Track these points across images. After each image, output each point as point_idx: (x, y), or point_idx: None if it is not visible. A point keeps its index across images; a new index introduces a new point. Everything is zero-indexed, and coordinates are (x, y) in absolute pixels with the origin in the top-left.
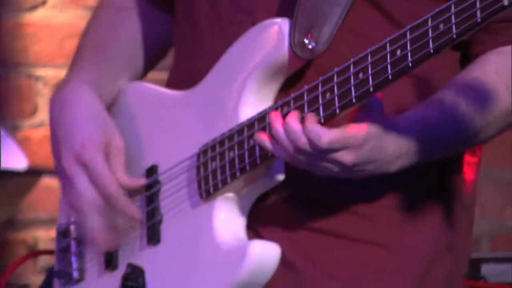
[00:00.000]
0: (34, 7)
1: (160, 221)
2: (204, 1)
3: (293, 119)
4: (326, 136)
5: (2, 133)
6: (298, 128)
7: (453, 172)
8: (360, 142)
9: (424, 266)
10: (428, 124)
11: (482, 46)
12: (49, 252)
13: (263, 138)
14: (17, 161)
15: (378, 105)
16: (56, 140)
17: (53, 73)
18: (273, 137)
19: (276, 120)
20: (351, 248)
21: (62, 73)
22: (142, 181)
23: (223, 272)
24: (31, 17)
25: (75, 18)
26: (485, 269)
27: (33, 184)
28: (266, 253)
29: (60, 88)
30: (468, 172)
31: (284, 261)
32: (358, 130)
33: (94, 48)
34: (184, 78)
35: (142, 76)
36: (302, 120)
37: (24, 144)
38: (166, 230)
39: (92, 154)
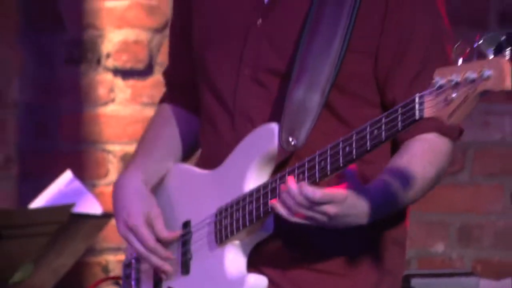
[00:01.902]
0: (106, 103)
1: (190, 258)
2: (221, 112)
3: (292, 182)
4: (319, 192)
5: (84, 189)
6: (296, 188)
7: (392, 221)
8: (342, 199)
9: (371, 286)
10: (385, 195)
11: (406, 134)
12: (117, 278)
13: (274, 202)
14: (94, 208)
15: (352, 175)
16: (115, 210)
17: (119, 148)
18: (281, 199)
19: (291, 182)
20: (321, 277)
21: (126, 148)
22: (178, 233)
23: None
24: (104, 110)
25: (134, 111)
26: (414, 282)
27: (106, 223)
28: (258, 282)
29: (121, 173)
30: (404, 219)
31: (276, 286)
32: (341, 191)
33: (145, 145)
34: (212, 161)
35: (183, 159)
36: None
37: (99, 197)
38: (194, 265)
39: (134, 221)
